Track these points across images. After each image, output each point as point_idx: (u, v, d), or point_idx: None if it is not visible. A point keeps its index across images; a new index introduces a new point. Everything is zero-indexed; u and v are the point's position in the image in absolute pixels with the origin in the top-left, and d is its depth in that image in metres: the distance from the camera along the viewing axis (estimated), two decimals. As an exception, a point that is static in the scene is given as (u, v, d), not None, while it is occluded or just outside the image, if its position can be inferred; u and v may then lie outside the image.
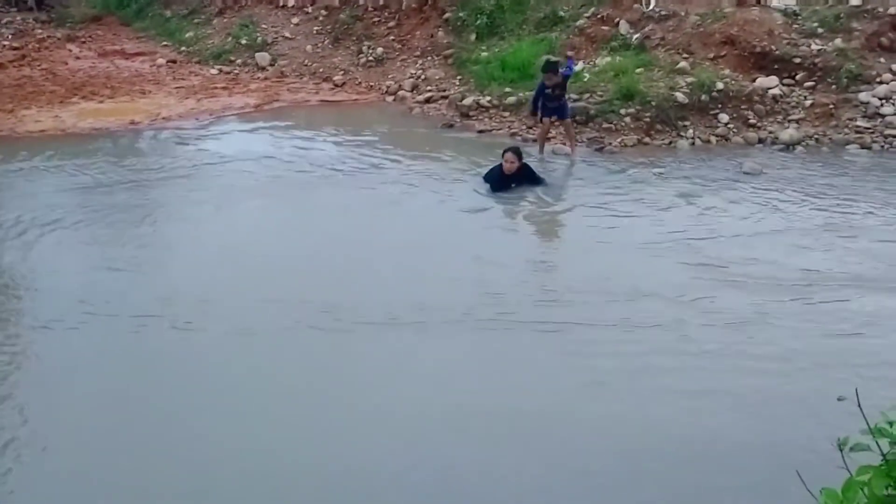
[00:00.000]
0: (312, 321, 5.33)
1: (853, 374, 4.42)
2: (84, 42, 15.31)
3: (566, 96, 9.35)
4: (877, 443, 2.20)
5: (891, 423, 2.21)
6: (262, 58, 13.74)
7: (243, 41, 14.11)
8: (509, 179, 8.13)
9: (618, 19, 11.81)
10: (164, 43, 15.13)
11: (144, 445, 4.04)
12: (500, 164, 8.17)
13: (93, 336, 5.17)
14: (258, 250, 6.56)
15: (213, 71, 13.48)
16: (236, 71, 13.49)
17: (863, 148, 9.76)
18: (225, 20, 14.93)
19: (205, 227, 7.19)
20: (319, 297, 5.69)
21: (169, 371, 4.77)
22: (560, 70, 9.21)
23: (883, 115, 10.06)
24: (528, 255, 6.83)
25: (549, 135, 9.67)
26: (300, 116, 11.34)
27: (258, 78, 13.21)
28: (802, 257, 6.52)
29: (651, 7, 11.76)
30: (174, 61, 14.08)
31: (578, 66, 10.43)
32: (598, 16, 11.97)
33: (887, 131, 9.88)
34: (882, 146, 9.75)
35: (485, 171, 8.44)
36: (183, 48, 14.67)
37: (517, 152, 8.23)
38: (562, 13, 12.31)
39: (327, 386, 4.60)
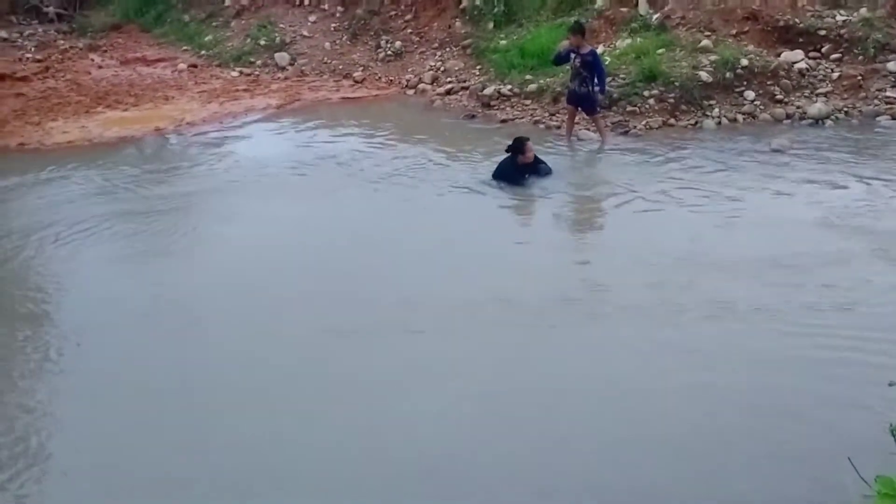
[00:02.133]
0: (348, 320, 5.35)
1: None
2: (105, 51, 15.44)
3: (591, 88, 9.12)
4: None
5: (945, 407, 2.18)
6: (282, 58, 13.77)
7: (262, 42, 14.15)
8: (524, 171, 7.98)
9: (636, 0, 11.68)
10: (184, 47, 15.23)
11: (178, 445, 4.09)
12: (510, 158, 8.01)
13: (125, 339, 5.22)
14: (291, 251, 6.59)
15: (234, 73, 13.54)
16: (257, 72, 13.55)
17: (894, 119, 9.60)
18: (243, 22, 14.98)
19: (238, 229, 7.22)
20: (355, 294, 5.71)
21: (201, 371, 4.81)
22: (588, 47, 9.06)
23: (913, 85, 9.88)
24: (567, 253, 6.73)
25: (578, 119, 9.54)
26: (322, 115, 11.36)
27: (279, 78, 13.25)
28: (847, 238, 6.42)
29: (670, -14, 11.61)
30: (195, 65, 14.16)
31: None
32: (617, -2, 11.85)
33: (919, 101, 9.70)
34: (914, 116, 9.58)
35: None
36: (203, 52, 14.75)
37: (528, 139, 8.15)
38: (579, -4, 12.20)
39: (374, 384, 4.62)
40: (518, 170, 7.99)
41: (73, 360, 5.05)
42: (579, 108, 9.32)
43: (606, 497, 3.60)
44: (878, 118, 9.65)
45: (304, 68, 13.54)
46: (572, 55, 9.05)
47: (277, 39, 14.14)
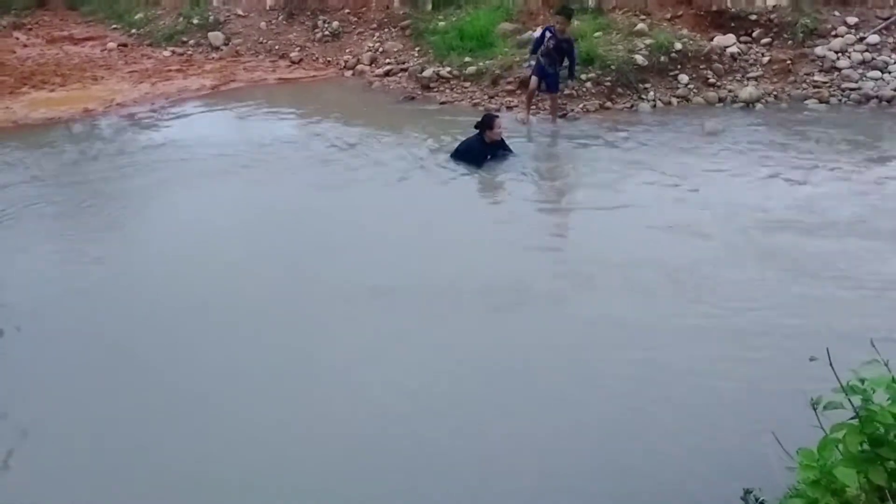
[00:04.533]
0: (292, 304, 5.28)
1: (826, 332, 4.52)
2: (31, 29, 14.87)
3: (562, 68, 9.26)
4: (849, 400, 2.25)
5: (862, 381, 2.25)
6: (216, 37, 13.46)
7: (195, 21, 13.80)
8: (488, 150, 7.92)
9: (574, -17, 11.72)
10: (114, 26, 14.76)
11: (131, 440, 3.99)
12: (478, 135, 7.93)
13: (59, 334, 5.07)
14: (229, 234, 6.46)
15: (166, 53, 13.18)
16: (190, 52, 13.21)
17: (821, 102, 9.90)
18: (174, 0, 14.58)
19: (170, 214, 7.05)
20: (299, 279, 5.64)
21: (149, 366, 4.71)
22: (568, 33, 9.17)
23: (839, 69, 10.18)
24: (521, 231, 6.72)
25: (535, 99, 9.59)
26: (258, 96, 11.16)
27: (213, 58, 12.95)
28: (773, 214, 6.61)
29: (607, -31, 11.70)
30: (125, 45, 13.75)
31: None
32: (555, -20, 11.88)
33: (844, 84, 10.01)
34: (839, 99, 9.90)
35: (453, 145, 8.33)
36: (133, 31, 14.32)
37: (498, 115, 8.13)
38: (518, -21, 12.20)
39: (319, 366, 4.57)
40: (485, 148, 7.89)
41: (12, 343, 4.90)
42: (542, 84, 9.35)
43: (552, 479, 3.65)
44: (806, 101, 9.93)
45: (239, 48, 13.26)
46: (547, 34, 9.10)
47: (211, 18, 13.80)
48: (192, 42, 13.47)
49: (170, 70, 12.29)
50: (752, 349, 4.56)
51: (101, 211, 7.13)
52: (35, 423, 4.12)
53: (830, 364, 2.20)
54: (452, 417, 4.09)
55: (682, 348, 4.62)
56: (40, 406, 4.29)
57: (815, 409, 2.23)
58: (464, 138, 8.17)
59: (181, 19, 13.97)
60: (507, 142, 8.20)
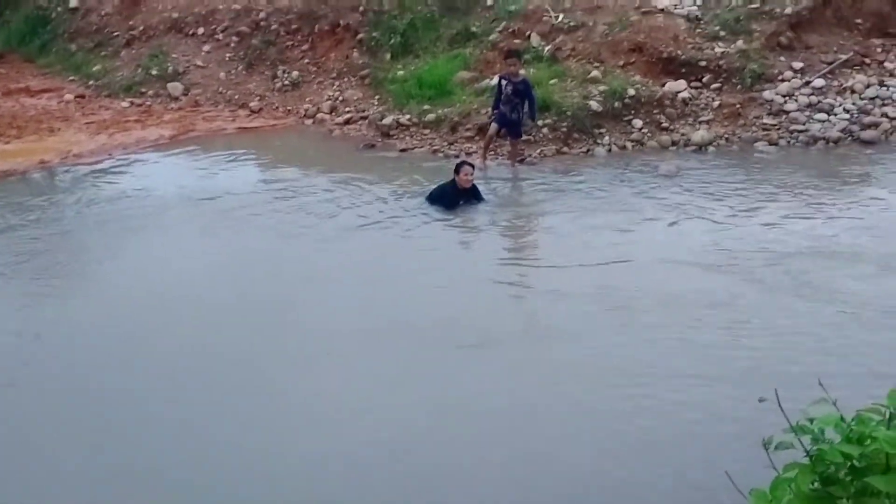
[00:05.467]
0: (263, 350, 5.23)
1: (774, 373, 4.59)
2: (-15, 81, 14.76)
3: (523, 113, 9.46)
4: (800, 440, 2.28)
5: (811, 420, 2.30)
6: (175, 87, 13.47)
7: (154, 72, 13.80)
8: (460, 196, 8.05)
9: (529, 32, 12.00)
10: (71, 78, 14.70)
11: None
12: (452, 181, 8.07)
13: (26, 385, 4.95)
14: (184, 290, 6.40)
15: (124, 104, 13.14)
16: (148, 102, 13.19)
17: (771, 144, 10.16)
18: (133, 51, 14.58)
19: (123, 268, 6.97)
20: (259, 335, 5.60)
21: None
22: (521, 74, 9.32)
23: (787, 112, 10.48)
24: (489, 274, 6.76)
25: (493, 145, 9.71)
26: (218, 145, 11.16)
27: (172, 108, 12.94)
28: (725, 255, 6.74)
29: (560, 19, 11.99)
30: (83, 96, 13.68)
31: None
32: (510, 30, 12.14)
33: (792, 127, 10.30)
34: (788, 141, 10.17)
35: (422, 189, 8.44)
36: (91, 82, 14.27)
37: (472, 165, 8.27)
38: (474, 29, 12.44)
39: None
40: (457, 194, 8.03)
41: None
42: (502, 131, 9.50)
43: None
44: (756, 143, 10.19)
45: (198, 98, 13.27)
46: (503, 82, 9.29)
47: (170, 69, 13.82)
48: (150, 93, 13.46)
49: (128, 121, 12.25)
50: (710, 386, 4.62)
51: (46, 267, 7.04)
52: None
53: (779, 405, 2.24)
54: (436, 458, 4.07)
55: (631, 387, 4.66)
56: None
57: (766, 449, 2.27)
58: (437, 184, 8.31)
59: (140, 70, 13.98)
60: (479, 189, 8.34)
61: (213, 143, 11.30)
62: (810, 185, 8.71)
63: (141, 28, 14.90)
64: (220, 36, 14.39)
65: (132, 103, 13.18)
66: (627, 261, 6.63)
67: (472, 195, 8.16)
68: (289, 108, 12.72)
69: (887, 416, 2.25)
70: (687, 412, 4.37)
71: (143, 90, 13.53)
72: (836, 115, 10.35)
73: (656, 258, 6.67)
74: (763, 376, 4.57)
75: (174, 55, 14.18)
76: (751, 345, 5.14)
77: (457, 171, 8.09)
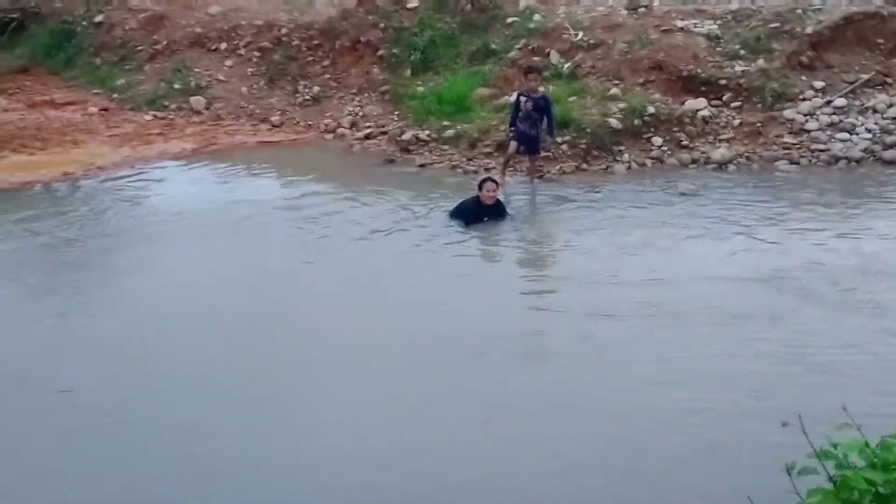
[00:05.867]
0: (274, 374, 5.26)
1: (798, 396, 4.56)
2: (12, 94, 14.95)
3: (542, 129, 9.51)
4: (823, 466, 2.27)
5: (835, 446, 2.29)
6: (197, 102, 13.61)
7: (177, 86, 13.96)
8: (484, 212, 8.06)
9: (548, 50, 12.05)
10: (95, 91, 14.88)
11: None
12: (476, 197, 8.11)
13: (35, 405, 5.00)
14: (211, 300, 6.46)
15: (147, 117, 13.29)
16: (171, 116, 13.34)
17: (791, 163, 10.12)
18: (157, 66, 14.75)
19: (149, 277, 7.04)
20: (276, 348, 5.63)
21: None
22: (541, 90, 9.38)
23: (808, 131, 10.45)
24: (515, 287, 6.87)
25: (513, 162, 9.73)
26: (239, 158, 11.26)
27: (194, 122, 13.07)
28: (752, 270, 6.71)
29: (579, 37, 12.03)
30: (106, 109, 13.85)
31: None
32: (530, 47, 12.20)
33: (813, 146, 10.27)
34: (809, 160, 10.13)
35: (444, 205, 8.50)
36: (115, 95, 14.44)
37: (496, 181, 8.29)
38: (494, 46, 12.52)
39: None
40: (480, 210, 8.05)
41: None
42: (521, 148, 9.53)
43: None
44: (776, 163, 10.16)
45: (220, 112, 13.41)
46: (522, 99, 9.33)
47: (193, 83, 13.97)
48: (173, 106, 13.61)
49: (150, 134, 12.38)
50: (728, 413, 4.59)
51: (71, 280, 7.12)
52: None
53: (803, 430, 2.24)
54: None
55: (660, 406, 4.64)
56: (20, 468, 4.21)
57: (789, 475, 2.26)
58: (460, 200, 8.36)
59: (163, 84, 14.14)
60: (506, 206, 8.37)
61: (235, 156, 11.41)
62: (835, 203, 8.68)
63: (164, 43, 15.08)
64: (243, 51, 14.55)
65: (155, 116, 13.32)
66: (656, 278, 6.63)
67: (496, 211, 8.17)
68: (309, 122, 12.82)
69: (913, 443, 2.24)
70: (713, 433, 4.35)
71: (166, 104, 13.68)
72: (857, 134, 10.31)
73: (682, 275, 6.67)
74: (792, 400, 4.54)
75: (197, 70, 14.34)
76: (783, 365, 5.11)
77: (480, 187, 8.14)
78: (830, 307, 6.08)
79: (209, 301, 6.43)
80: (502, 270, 7.45)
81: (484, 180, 8.26)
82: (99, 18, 16.45)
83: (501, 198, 8.46)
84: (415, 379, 5.15)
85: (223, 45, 14.68)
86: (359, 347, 5.54)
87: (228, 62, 14.47)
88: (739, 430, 4.36)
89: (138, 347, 5.65)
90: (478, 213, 8.05)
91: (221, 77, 14.15)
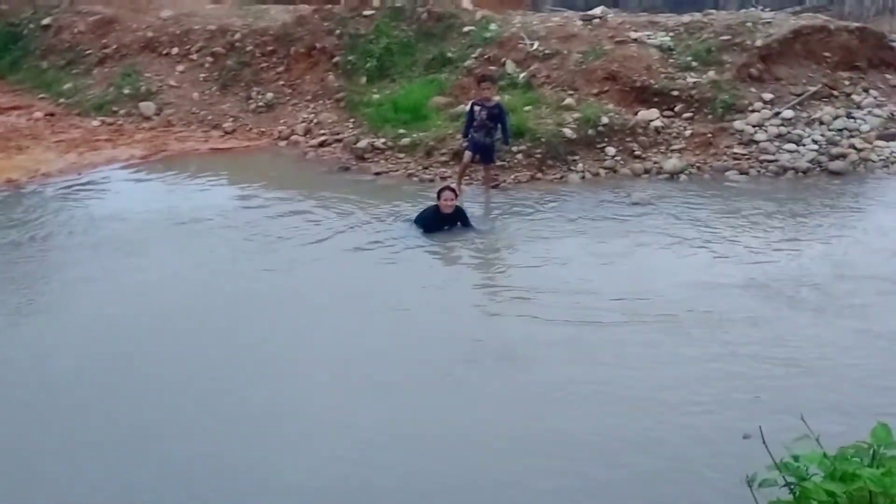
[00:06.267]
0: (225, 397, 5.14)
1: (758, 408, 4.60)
2: (-47, 98, 14.50)
3: (496, 138, 9.52)
4: (783, 477, 2.28)
5: (796, 458, 2.29)
6: (147, 107, 13.34)
7: (126, 91, 13.66)
8: (444, 220, 8.07)
9: (504, 59, 12.10)
10: (41, 95, 14.48)
11: None
12: (435, 206, 8.11)
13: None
14: (156, 309, 6.30)
15: (95, 122, 12.98)
16: (120, 122, 13.04)
17: (741, 174, 10.29)
18: (106, 70, 14.41)
19: (92, 288, 6.85)
20: (227, 361, 5.51)
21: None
22: (495, 99, 9.37)
23: (757, 142, 10.65)
24: (469, 296, 6.82)
25: (468, 171, 9.70)
26: (190, 165, 11.05)
27: (143, 128, 12.80)
28: (696, 282, 6.78)
29: (535, 47, 12.10)
30: (53, 114, 13.48)
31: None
32: (485, 56, 12.23)
33: (762, 157, 10.46)
34: (758, 171, 10.32)
35: (404, 214, 8.52)
36: (62, 100, 14.07)
37: (454, 190, 8.31)
38: (450, 55, 12.52)
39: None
40: (439, 219, 8.05)
41: None
42: (476, 157, 9.52)
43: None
44: (727, 172, 10.32)
45: (171, 118, 13.15)
46: (477, 108, 9.33)
47: (143, 88, 13.69)
48: (122, 112, 13.31)
49: (98, 140, 12.09)
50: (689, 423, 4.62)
51: (12, 289, 6.89)
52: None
53: (763, 441, 2.23)
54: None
55: (606, 418, 4.65)
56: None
57: (750, 487, 2.25)
58: (420, 208, 8.37)
59: (112, 89, 13.82)
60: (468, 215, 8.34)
61: (186, 163, 11.19)
62: (783, 213, 8.83)
63: (114, 47, 14.75)
64: (195, 56, 14.30)
65: (103, 122, 13.02)
66: (617, 286, 6.67)
67: (456, 220, 8.16)
68: (263, 129, 12.65)
69: (871, 453, 2.26)
70: (672, 445, 4.36)
71: (115, 109, 13.38)
72: (804, 145, 10.54)
73: (646, 284, 6.71)
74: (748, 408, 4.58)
75: (147, 74, 14.05)
76: (744, 375, 5.15)
77: (438, 196, 8.15)
78: (803, 310, 6.19)
79: (155, 310, 6.26)
80: (458, 278, 7.41)
81: (442, 189, 8.29)
82: (46, 21, 16.03)
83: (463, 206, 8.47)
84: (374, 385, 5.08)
85: (175, 50, 14.42)
86: (324, 358, 5.45)
87: (180, 67, 14.22)
88: (701, 440, 4.37)
89: (81, 357, 5.47)
90: (437, 222, 8.05)
91: (173, 82, 13.90)
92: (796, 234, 8.19)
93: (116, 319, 6.12)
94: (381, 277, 7.11)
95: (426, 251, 7.72)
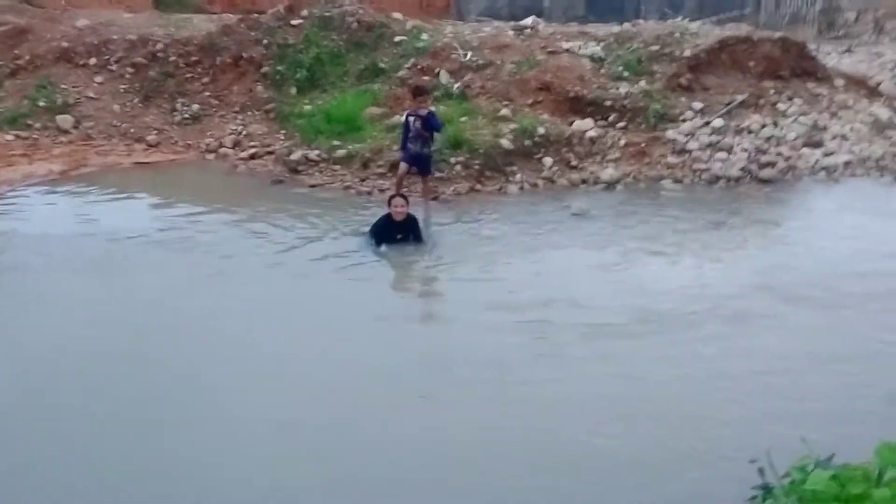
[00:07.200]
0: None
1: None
2: None
3: (431, 148, 9.37)
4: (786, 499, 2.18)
5: (803, 480, 2.20)
6: (64, 120, 12.71)
7: (41, 103, 12.98)
8: (396, 228, 7.88)
9: (438, 69, 11.99)
10: (-52, 108, 13.68)
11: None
12: (387, 214, 7.91)
13: None
14: (75, 336, 5.90)
15: (9, 137, 12.26)
16: (35, 136, 12.36)
17: (675, 182, 10.42)
18: (19, 82, 13.65)
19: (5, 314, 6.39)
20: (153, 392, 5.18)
21: None
22: (429, 108, 9.28)
23: (689, 151, 10.81)
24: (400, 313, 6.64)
25: (405, 182, 9.50)
26: (113, 181, 10.55)
27: (61, 142, 12.18)
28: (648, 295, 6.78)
29: (468, 57, 12.04)
30: (-39, 128, 12.74)
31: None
32: (419, 67, 12.10)
33: (695, 165, 10.61)
34: (692, 180, 10.46)
35: (348, 227, 8.43)
36: (-29, 113, 13.31)
37: (405, 197, 8.15)
38: (382, 65, 12.34)
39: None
40: (391, 227, 7.86)
41: None
42: (412, 169, 9.33)
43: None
44: (662, 181, 10.43)
45: (90, 131, 12.56)
46: (411, 119, 9.15)
47: (59, 101, 13.04)
48: (37, 125, 12.63)
49: (13, 155, 11.43)
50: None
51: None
52: None
53: (770, 465, 2.13)
54: None
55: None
56: None
57: (758, 514, 2.15)
58: (373, 219, 8.22)
59: (26, 101, 13.12)
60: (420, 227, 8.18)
61: (108, 178, 10.68)
62: (714, 222, 8.94)
63: (27, 57, 13.99)
64: (114, 67, 13.69)
65: (17, 136, 12.33)
66: (564, 296, 6.63)
67: (409, 228, 7.98)
68: (189, 142, 12.21)
69: (877, 474, 2.19)
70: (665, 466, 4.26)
71: (30, 123, 12.69)
72: (735, 154, 10.73)
73: (571, 296, 6.66)
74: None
75: (63, 86, 13.38)
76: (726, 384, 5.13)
77: (389, 203, 8.05)
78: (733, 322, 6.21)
79: (74, 337, 5.87)
80: (409, 296, 7.26)
81: (392, 196, 8.24)
82: (-48, 30, 15.17)
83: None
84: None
85: (92, 61, 13.78)
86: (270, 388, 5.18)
87: (98, 78, 13.60)
88: (705, 463, 4.28)
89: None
90: (390, 231, 7.89)
91: (91, 94, 13.28)
92: (730, 243, 8.31)
93: (22, 349, 5.69)
94: (324, 295, 6.86)
95: (375, 267, 7.54)
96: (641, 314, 6.28)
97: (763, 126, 11.13)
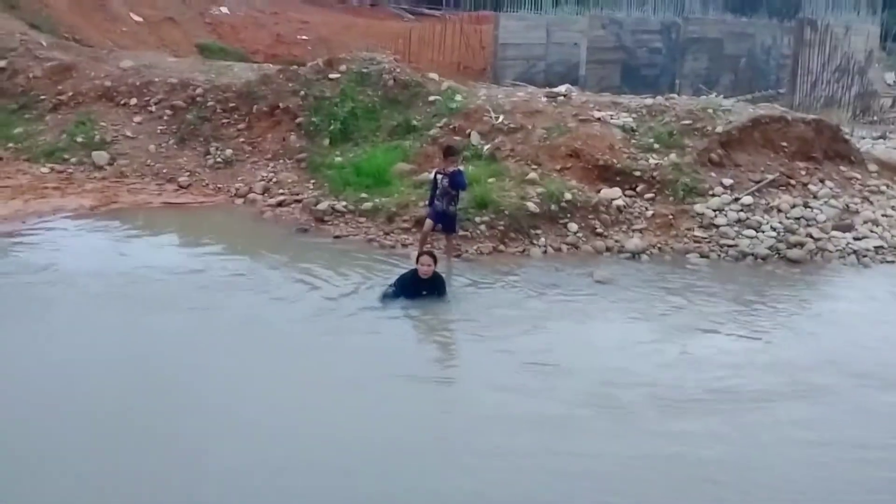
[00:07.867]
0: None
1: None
2: None
3: (457, 206, 9.47)
4: None
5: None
6: (100, 156, 12.95)
7: (79, 139, 13.26)
8: (422, 285, 8.03)
9: (469, 130, 12.08)
10: (-11, 139, 13.99)
11: None
12: (414, 270, 8.10)
13: None
14: (96, 374, 5.88)
15: (44, 170, 12.52)
16: (70, 170, 12.60)
17: (702, 256, 10.30)
18: (59, 116, 14.00)
19: (28, 349, 6.39)
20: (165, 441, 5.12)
21: None
22: (459, 169, 9.37)
23: (717, 226, 10.70)
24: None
25: (430, 239, 9.53)
26: (141, 219, 10.70)
27: (95, 178, 12.40)
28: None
29: (500, 120, 12.13)
30: (0, 158, 13.01)
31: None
32: (451, 126, 12.20)
33: (722, 241, 10.50)
34: (719, 255, 10.33)
35: (371, 282, 8.49)
36: (10, 144, 13.56)
37: (433, 256, 8.26)
38: (415, 122, 12.47)
39: None
40: (417, 283, 8.04)
41: None
42: (437, 226, 9.36)
43: None
44: (688, 255, 10.32)
45: (124, 169, 12.78)
46: (440, 177, 9.25)
47: (97, 137, 13.31)
48: (73, 160, 12.89)
49: (46, 188, 11.66)
50: None
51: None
52: None
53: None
54: None
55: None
56: None
57: None
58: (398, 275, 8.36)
59: (64, 136, 13.42)
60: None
61: (137, 216, 10.83)
62: (743, 301, 8.81)
63: (70, 94, 14.38)
64: (154, 108, 14.01)
65: (53, 169, 12.58)
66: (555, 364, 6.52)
67: (434, 286, 8.14)
68: (219, 185, 12.35)
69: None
70: None
71: (66, 157, 12.95)
72: (763, 232, 10.61)
73: (588, 364, 6.57)
74: None
75: (102, 123, 13.69)
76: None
77: (417, 260, 8.20)
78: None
79: (93, 375, 5.85)
80: (424, 351, 7.18)
81: (420, 254, 8.35)
82: (1, 64, 15.62)
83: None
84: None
85: (133, 101, 14.11)
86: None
87: (137, 118, 13.90)
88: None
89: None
90: (415, 286, 8.06)
91: (129, 133, 13.56)
92: (756, 321, 8.17)
93: (44, 382, 5.68)
94: (347, 347, 6.84)
95: (401, 321, 7.61)
96: (658, 385, 6.15)
97: (793, 206, 11.01)
